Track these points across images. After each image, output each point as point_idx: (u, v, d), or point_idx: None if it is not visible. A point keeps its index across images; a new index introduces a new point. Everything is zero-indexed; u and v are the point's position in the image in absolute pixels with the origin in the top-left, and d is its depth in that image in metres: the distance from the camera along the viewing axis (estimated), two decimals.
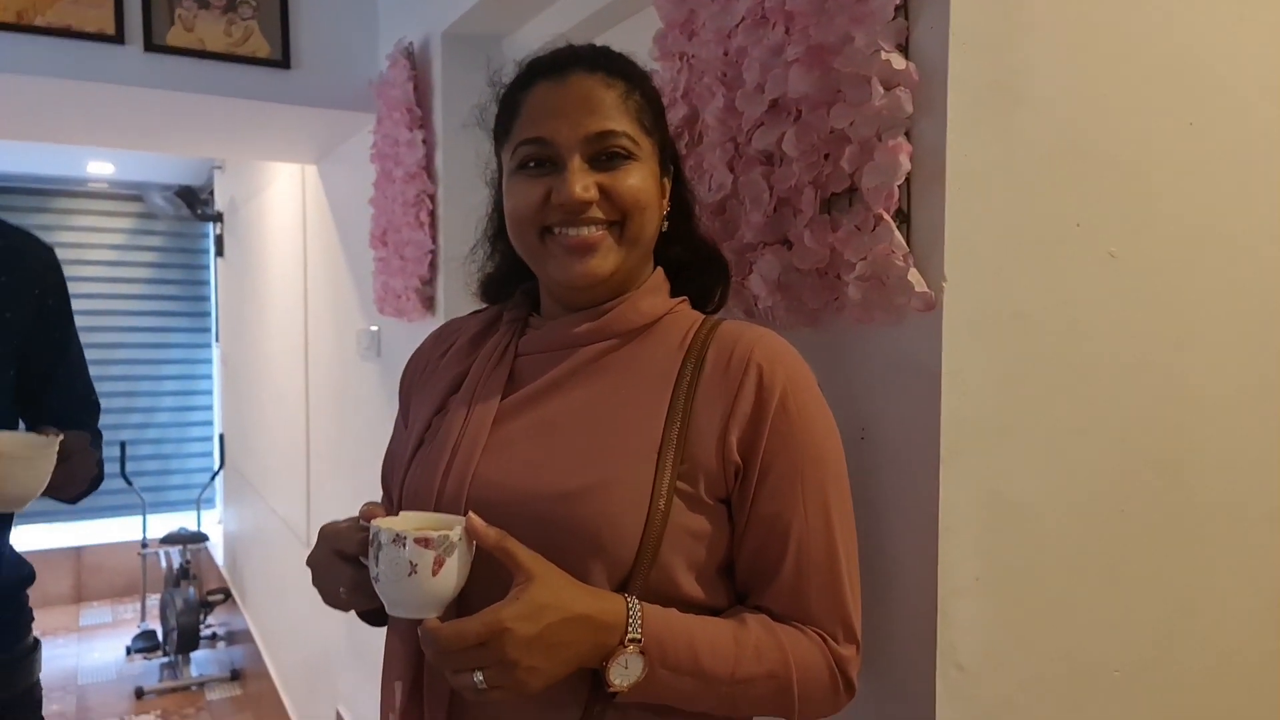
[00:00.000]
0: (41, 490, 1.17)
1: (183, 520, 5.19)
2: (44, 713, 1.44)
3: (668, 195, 0.89)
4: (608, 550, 0.74)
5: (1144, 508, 0.96)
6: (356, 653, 2.64)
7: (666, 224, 0.89)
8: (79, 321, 1.45)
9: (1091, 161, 0.91)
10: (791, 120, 0.94)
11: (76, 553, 5.53)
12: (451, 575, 0.70)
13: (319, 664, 3.07)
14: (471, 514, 0.71)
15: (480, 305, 1.01)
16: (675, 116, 1.10)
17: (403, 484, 0.86)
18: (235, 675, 4.45)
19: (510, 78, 0.88)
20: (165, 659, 4.53)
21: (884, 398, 0.90)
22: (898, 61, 0.83)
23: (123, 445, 4.86)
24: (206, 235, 5.68)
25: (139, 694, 4.24)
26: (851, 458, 0.86)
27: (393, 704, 0.83)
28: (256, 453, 4.20)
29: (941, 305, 0.83)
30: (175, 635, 4.35)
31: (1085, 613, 0.93)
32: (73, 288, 1.43)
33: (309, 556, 0.81)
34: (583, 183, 0.79)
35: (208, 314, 5.75)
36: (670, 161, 0.90)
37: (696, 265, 0.92)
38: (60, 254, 1.43)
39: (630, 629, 0.71)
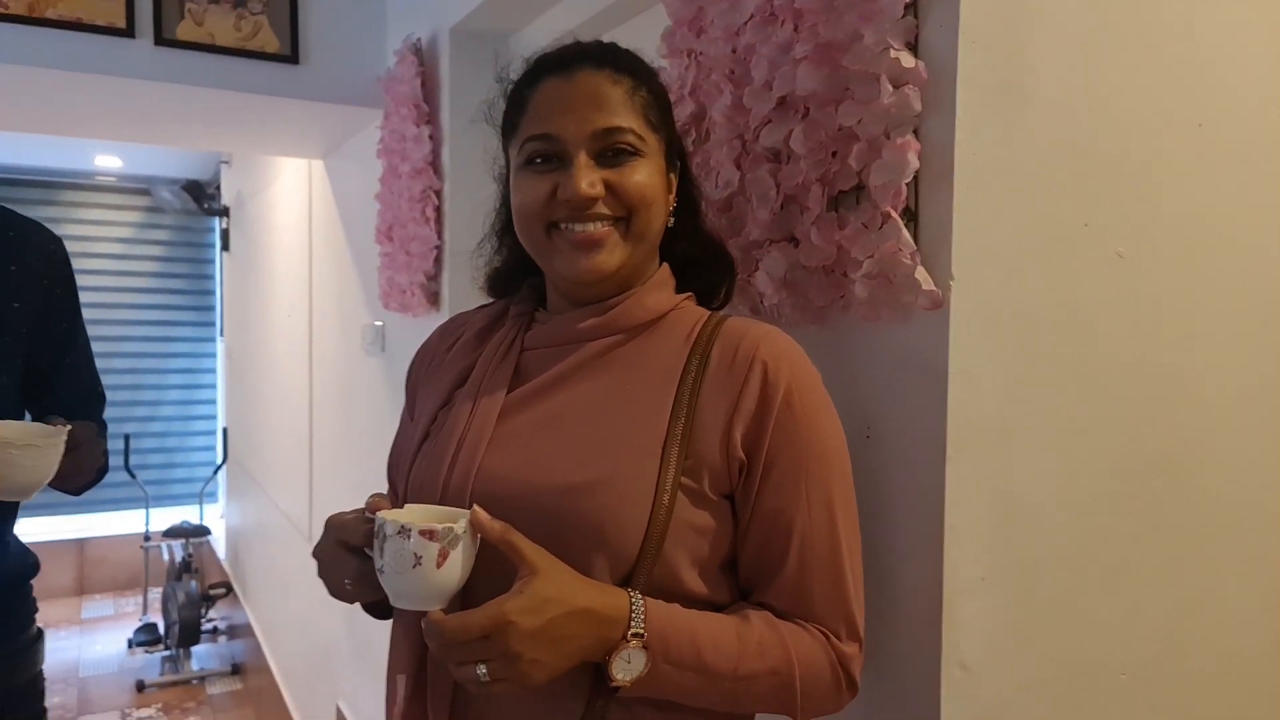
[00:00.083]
0: (48, 480, 1.18)
1: (185, 514, 5.20)
2: (45, 704, 1.44)
3: (674, 191, 0.89)
4: (611, 544, 0.74)
5: (1150, 508, 0.96)
6: (357, 648, 2.64)
7: (673, 220, 0.89)
8: (85, 314, 1.45)
9: (1100, 161, 0.91)
10: (799, 118, 0.94)
11: (79, 545, 5.54)
12: (456, 568, 0.70)
13: (320, 659, 3.08)
14: (476, 507, 0.72)
15: (486, 300, 1.01)
16: (683, 113, 1.10)
17: (408, 477, 0.86)
18: (236, 669, 4.46)
19: (518, 74, 0.88)
20: (166, 652, 4.54)
21: (890, 396, 0.90)
22: (907, 60, 0.83)
23: (127, 438, 4.87)
24: (212, 229, 5.69)
25: (140, 687, 4.25)
26: (857, 456, 0.86)
27: (396, 697, 0.83)
28: (260, 447, 4.20)
29: (949, 304, 0.83)
30: (177, 629, 4.36)
31: (1090, 613, 0.93)
32: (79, 281, 1.44)
33: (315, 548, 0.81)
34: (589, 179, 0.79)
35: (213, 308, 5.77)
36: (677, 158, 0.90)
37: (703, 262, 0.92)
38: (67, 247, 1.44)
39: (633, 624, 0.71)
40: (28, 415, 1.37)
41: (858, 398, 0.92)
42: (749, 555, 0.80)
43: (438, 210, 1.93)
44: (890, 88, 0.84)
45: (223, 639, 4.81)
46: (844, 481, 0.81)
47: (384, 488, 0.95)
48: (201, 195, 5.17)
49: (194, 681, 4.37)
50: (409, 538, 0.69)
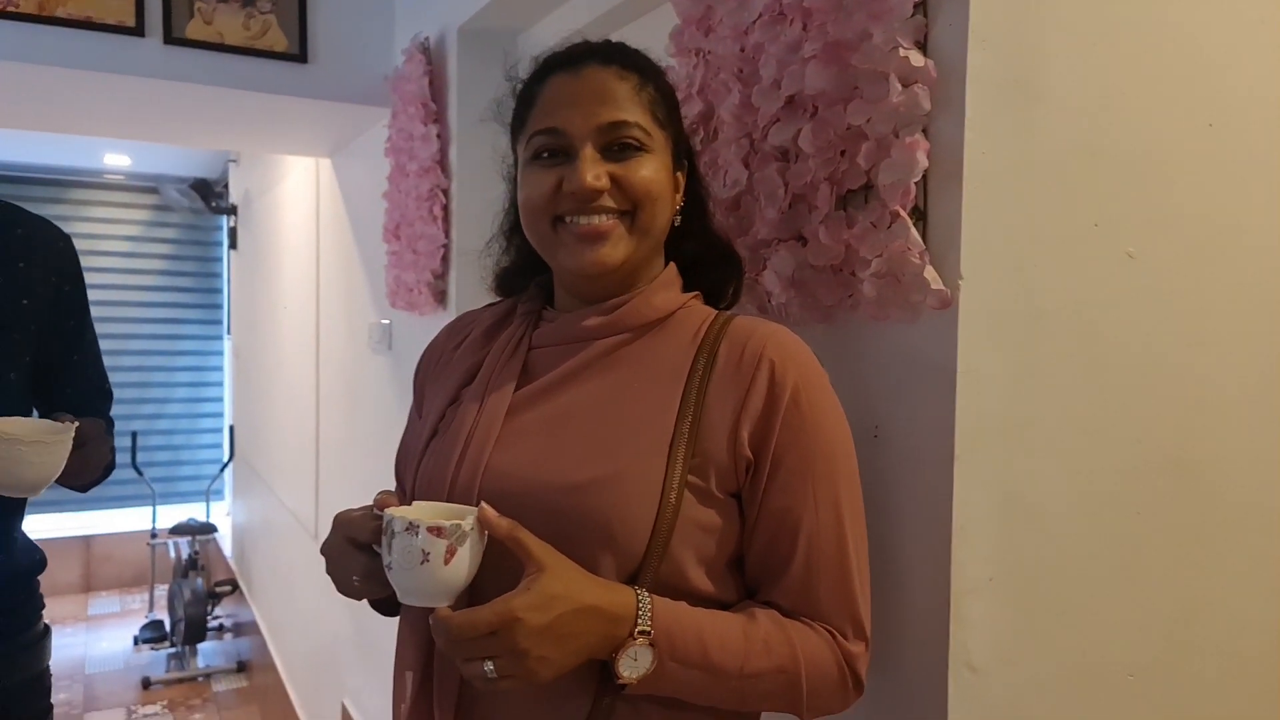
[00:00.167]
0: (56, 476, 1.18)
1: (192, 511, 5.21)
2: (52, 700, 1.44)
3: (682, 190, 0.89)
4: (618, 542, 0.74)
5: (1158, 508, 0.96)
6: (363, 646, 2.65)
7: (680, 219, 0.89)
8: (93, 312, 1.46)
9: (1110, 161, 0.90)
10: (808, 116, 0.94)
11: (86, 542, 5.57)
12: (463, 564, 0.70)
13: (325, 657, 3.08)
14: (484, 504, 0.72)
15: (493, 299, 1.02)
16: (691, 112, 1.10)
17: (416, 474, 0.86)
18: (241, 667, 4.48)
19: (527, 73, 0.88)
20: (172, 650, 4.56)
21: (898, 396, 0.89)
22: (916, 58, 0.83)
23: (134, 436, 4.89)
24: (220, 228, 5.71)
25: (146, 684, 4.27)
26: (865, 456, 0.86)
27: (404, 693, 0.83)
28: (266, 445, 4.22)
29: (957, 303, 0.83)
30: (183, 626, 4.38)
31: (1098, 614, 0.93)
32: (87, 279, 1.44)
33: (323, 544, 0.82)
34: (594, 171, 0.80)
35: (220, 306, 5.78)
36: (685, 157, 0.90)
37: (710, 261, 0.92)
38: (75, 244, 1.44)
39: (640, 621, 0.71)
40: (35, 412, 1.37)
41: (866, 397, 0.92)
42: (756, 554, 0.80)
43: (445, 209, 1.94)
44: (899, 86, 0.84)
45: (228, 636, 4.83)
46: (851, 480, 0.81)
47: (390, 485, 0.96)
48: (209, 194, 5.19)
49: (199, 679, 4.39)
50: (417, 534, 0.69)
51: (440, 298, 1.98)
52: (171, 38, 1.98)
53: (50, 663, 1.44)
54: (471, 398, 0.86)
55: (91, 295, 1.45)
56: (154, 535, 4.98)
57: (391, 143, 2.12)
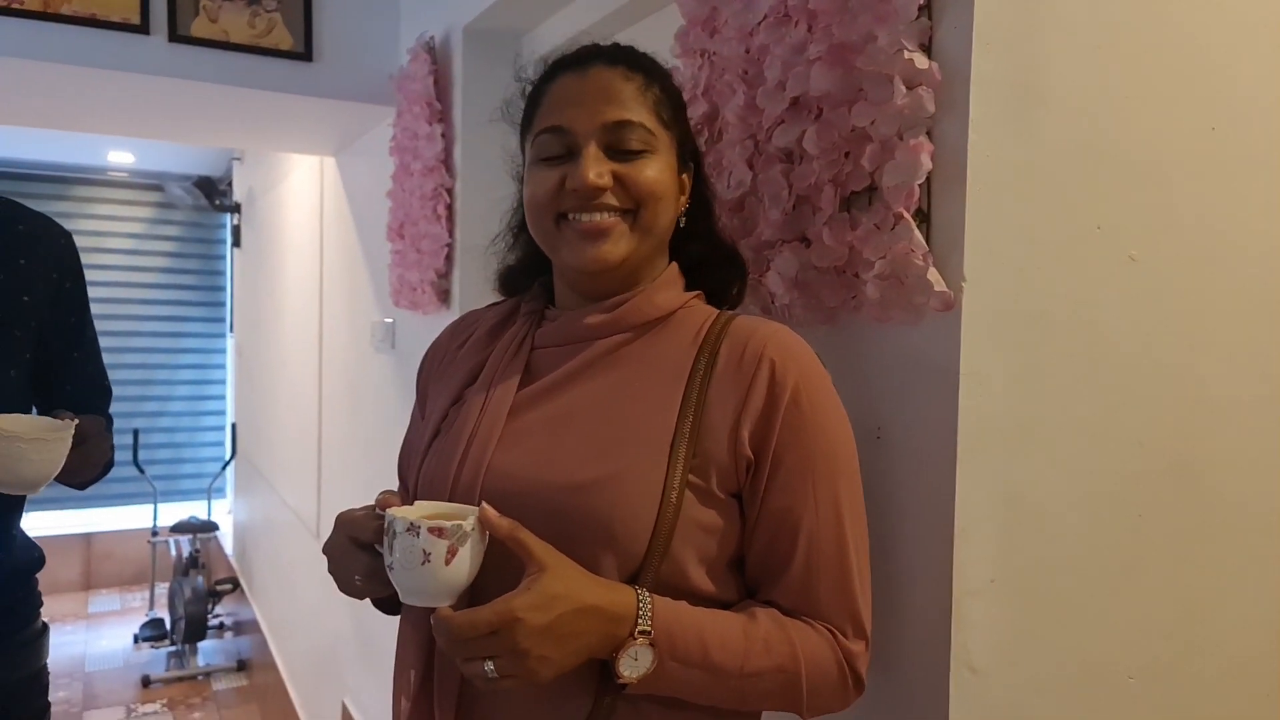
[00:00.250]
0: (56, 474, 1.18)
1: (193, 509, 5.22)
2: (51, 699, 1.44)
3: (687, 191, 0.89)
4: (619, 542, 0.74)
5: (1161, 510, 0.96)
6: (364, 646, 2.65)
7: (684, 220, 0.90)
8: (96, 309, 1.46)
9: (1113, 164, 0.90)
10: (812, 118, 0.94)
11: (86, 539, 5.57)
12: (464, 564, 0.70)
13: (326, 656, 3.08)
14: (485, 504, 0.72)
15: (497, 297, 1.02)
16: (695, 113, 1.10)
17: (418, 474, 0.86)
18: (242, 666, 4.48)
19: (536, 73, 0.89)
20: (172, 648, 4.56)
21: (901, 397, 0.90)
22: (920, 61, 0.83)
23: (136, 433, 4.89)
24: (224, 226, 5.72)
25: (145, 682, 4.27)
26: (867, 457, 0.86)
27: (405, 692, 0.84)
28: (268, 443, 4.22)
29: (960, 305, 0.83)
30: (183, 624, 4.38)
31: (1100, 616, 0.93)
32: (90, 276, 1.44)
33: (325, 544, 0.82)
34: (596, 169, 0.80)
35: (223, 304, 5.79)
36: (690, 159, 0.90)
37: (714, 262, 0.93)
38: (79, 242, 1.44)
39: (640, 621, 0.71)
40: (34, 409, 1.37)
41: (868, 398, 0.92)
42: (756, 553, 0.80)
43: (449, 208, 1.94)
44: (904, 89, 0.84)
45: (229, 635, 4.83)
46: (852, 480, 0.81)
47: (393, 484, 0.96)
48: (213, 191, 5.20)
49: (199, 677, 4.39)
50: (418, 534, 0.69)
51: (444, 297, 1.98)
52: (176, 35, 1.98)
53: (48, 661, 1.44)
54: (474, 397, 0.87)
55: (95, 292, 1.45)
56: (155, 533, 4.98)
57: (396, 141, 2.12)
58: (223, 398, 5.85)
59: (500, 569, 0.72)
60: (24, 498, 1.35)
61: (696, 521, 0.77)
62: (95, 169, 5.39)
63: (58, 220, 1.42)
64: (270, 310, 4.12)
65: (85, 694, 4.18)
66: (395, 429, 0.98)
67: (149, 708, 4.09)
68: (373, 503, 0.77)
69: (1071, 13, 0.87)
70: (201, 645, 4.57)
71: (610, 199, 0.81)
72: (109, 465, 1.38)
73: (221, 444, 5.79)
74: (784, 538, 0.78)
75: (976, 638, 0.85)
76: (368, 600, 0.90)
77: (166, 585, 4.75)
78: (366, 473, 2.62)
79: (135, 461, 4.82)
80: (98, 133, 2.79)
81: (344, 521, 0.79)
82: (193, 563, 4.66)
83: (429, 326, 2.06)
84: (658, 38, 1.20)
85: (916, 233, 0.84)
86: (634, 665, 0.71)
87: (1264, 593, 1.04)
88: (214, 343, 5.82)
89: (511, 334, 0.91)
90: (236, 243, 5.10)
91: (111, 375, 1.50)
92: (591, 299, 0.87)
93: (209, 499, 5.27)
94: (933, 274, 0.83)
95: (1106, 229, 0.90)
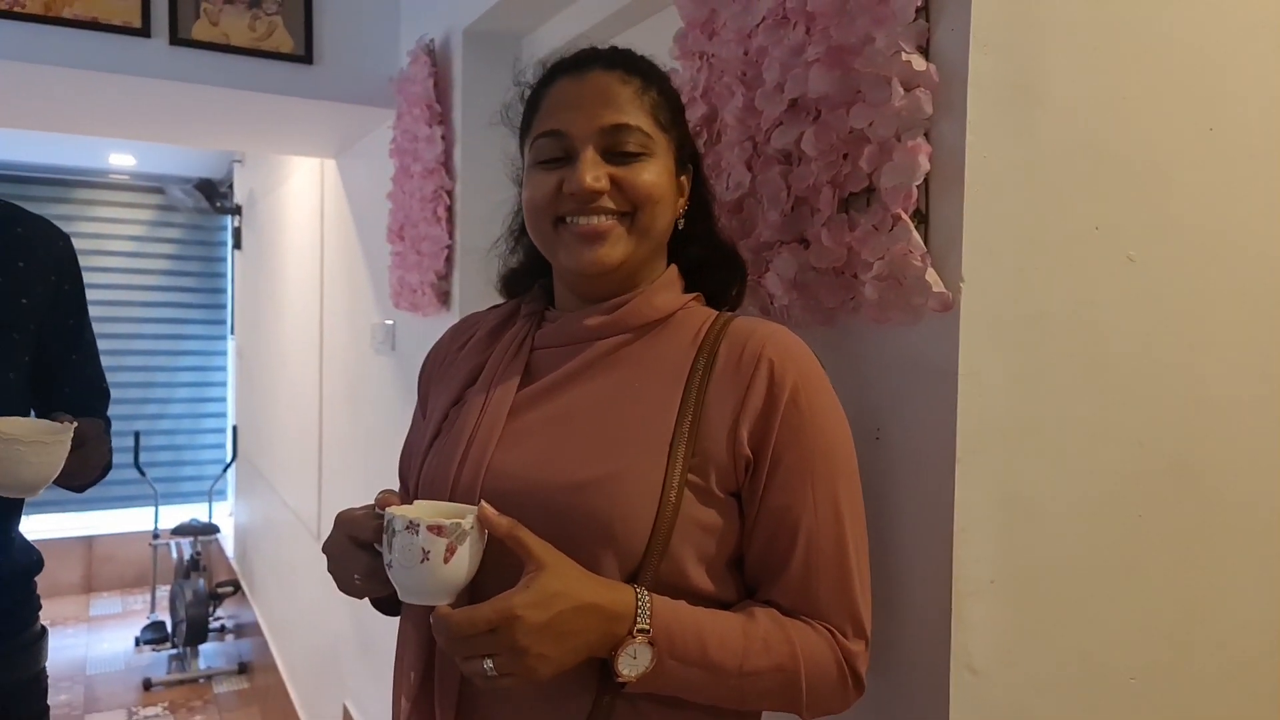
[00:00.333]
0: (55, 477, 1.18)
1: (194, 511, 5.22)
2: (52, 702, 1.44)
3: (686, 193, 0.90)
4: (619, 541, 0.75)
5: (1161, 511, 0.96)
6: (365, 648, 2.65)
7: (684, 222, 0.90)
8: (97, 311, 1.46)
9: (1111, 164, 0.91)
10: (811, 120, 0.95)
11: (88, 542, 5.57)
12: (463, 562, 0.70)
13: (327, 658, 3.08)
14: (484, 503, 0.72)
15: (497, 299, 1.02)
16: (694, 115, 1.10)
17: (419, 474, 0.87)
18: (243, 668, 4.48)
19: (535, 77, 0.90)
20: (174, 651, 4.56)
21: (900, 398, 0.90)
22: (918, 63, 0.84)
23: (137, 436, 4.89)
24: (225, 228, 5.72)
25: (147, 685, 4.27)
26: (866, 458, 0.86)
27: (406, 693, 0.84)
28: (269, 445, 4.22)
29: (959, 306, 0.83)
30: (184, 627, 4.38)
31: (1101, 616, 0.93)
32: (92, 278, 1.45)
33: (324, 543, 0.82)
34: (593, 172, 0.81)
35: (224, 306, 5.80)
36: (689, 161, 0.91)
37: (714, 263, 0.93)
38: (80, 244, 1.45)
39: (639, 619, 0.71)
40: (33, 412, 1.37)
41: (867, 399, 0.92)
42: (755, 553, 0.80)
43: (449, 210, 1.94)
44: (901, 90, 0.84)
45: (230, 637, 4.83)
46: (850, 479, 0.81)
47: (393, 486, 0.96)
48: (214, 194, 5.20)
49: (201, 680, 4.39)
50: (417, 533, 0.69)
51: (444, 299, 1.99)
52: (177, 38, 1.99)
53: (51, 664, 1.44)
54: (474, 398, 0.87)
55: (96, 295, 1.45)
56: (156, 536, 4.98)
57: (396, 144, 2.13)
58: (224, 400, 5.86)
59: (500, 568, 0.73)
60: (22, 501, 1.35)
61: (696, 521, 0.77)
62: (97, 171, 5.40)
63: (59, 223, 1.42)
64: (271, 312, 4.13)
65: (86, 697, 4.18)
66: (396, 430, 0.98)
67: (150, 711, 4.09)
68: (372, 502, 0.78)
69: (1069, 14, 0.88)
70: (203, 648, 4.57)
71: (607, 202, 0.82)
72: (107, 468, 1.38)
73: (222, 446, 5.79)
74: (783, 537, 0.78)
75: (977, 638, 0.85)
76: (368, 602, 0.91)
77: (168, 588, 4.75)
78: (367, 474, 2.62)
79: (136, 464, 4.82)
80: (99, 135, 2.80)
81: (343, 520, 0.80)
82: (194, 565, 4.66)
83: (429, 328, 2.06)
84: (657, 40, 1.21)
85: (915, 234, 0.84)
86: (633, 664, 0.71)
87: (1265, 593, 1.04)
88: (215, 345, 5.82)
89: (511, 335, 0.91)
90: (237, 245, 5.11)
91: (112, 378, 1.50)
92: (591, 301, 0.88)
93: (210, 501, 5.27)
94: (931, 275, 0.84)
95: (1105, 229, 0.91)
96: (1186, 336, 0.96)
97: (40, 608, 1.43)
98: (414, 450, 0.92)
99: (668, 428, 0.78)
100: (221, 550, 5.35)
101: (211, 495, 5.30)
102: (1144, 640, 0.96)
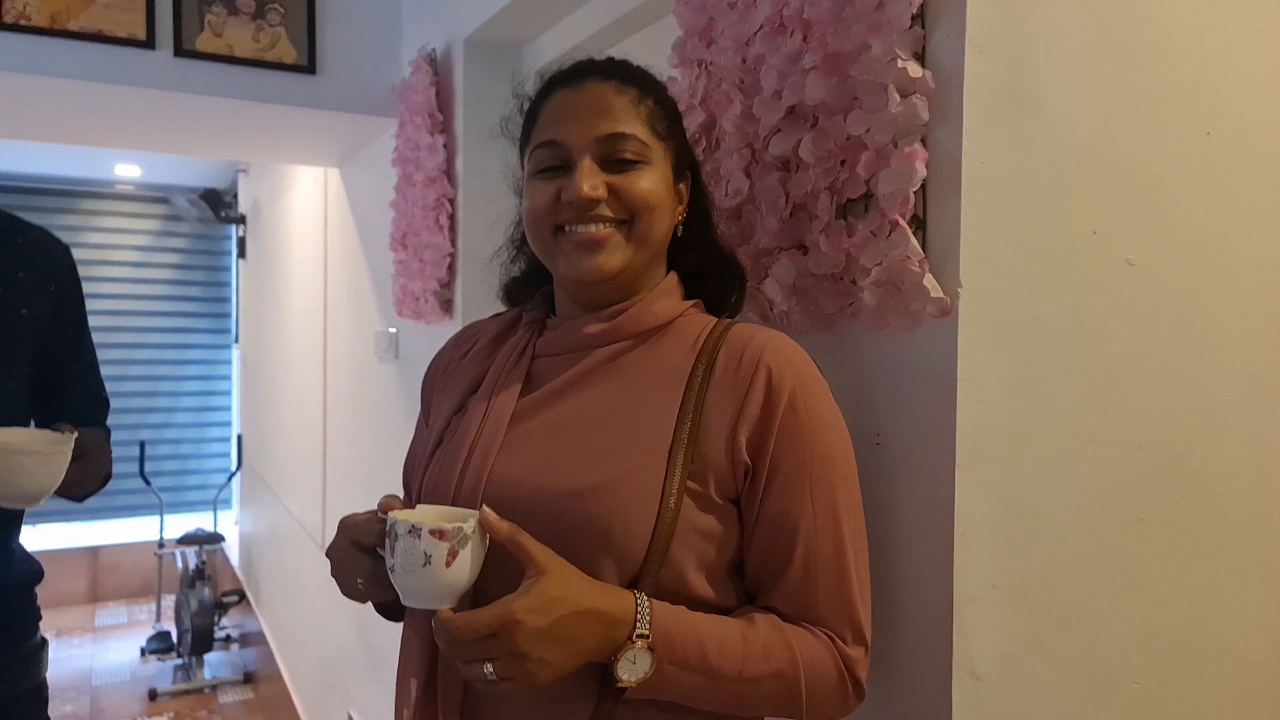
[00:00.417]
0: (56, 487, 1.17)
1: (199, 521, 5.23)
2: (58, 713, 1.43)
3: (684, 201, 0.90)
4: (619, 547, 0.75)
5: (1162, 515, 0.96)
6: (369, 656, 2.65)
7: (682, 229, 0.91)
8: (103, 321, 1.47)
9: (1108, 169, 0.91)
10: (808, 127, 0.95)
11: (93, 552, 5.58)
12: (465, 567, 0.71)
13: (332, 668, 3.08)
14: (485, 507, 0.73)
15: (500, 307, 1.03)
16: (693, 123, 1.11)
17: (422, 481, 0.88)
18: (248, 678, 4.48)
19: (533, 89, 0.91)
20: (179, 661, 4.56)
21: (899, 403, 0.90)
22: (914, 69, 0.84)
23: (142, 445, 4.90)
24: (229, 237, 5.75)
25: (152, 696, 4.27)
26: (866, 463, 0.86)
27: (408, 700, 0.84)
28: (274, 454, 4.23)
29: (957, 311, 0.84)
30: (189, 637, 4.38)
31: (1103, 622, 0.93)
32: (97, 288, 1.46)
33: (328, 548, 0.83)
34: (590, 181, 0.82)
35: (228, 315, 5.81)
36: (687, 168, 0.91)
37: (713, 270, 0.94)
38: (86, 254, 1.46)
39: (639, 625, 0.72)
40: (33, 421, 1.38)
41: (867, 405, 0.93)
42: (755, 558, 0.81)
43: (451, 218, 1.95)
44: (898, 97, 0.85)
45: (235, 647, 4.83)
46: (849, 485, 0.81)
47: (397, 493, 0.97)
48: (219, 203, 5.22)
49: (206, 690, 4.39)
50: (419, 537, 0.70)
51: (446, 306, 1.99)
52: (182, 50, 2.00)
53: (55, 676, 1.42)
54: (476, 405, 0.88)
55: (102, 304, 1.46)
56: (161, 545, 4.99)
57: (398, 153, 2.14)
58: (228, 409, 5.87)
59: (501, 572, 0.73)
60: (22, 511, 1.35)
61: (695, 527, 0.77)
62: (102, 182, 5.43)
63: (66, 233, 1.43)
64: (275, 321, 4.14)
65: (92, 708, 4.18)
66: (399, 438, 0.99)
67: None
68: (375, 508, 0.78)
69: (1064, 19, 0.88)
70: (208, 658, 4.56)
71: (605, 210, 0.83)
72: (107, 477, 1.38)
73: (227, 455, 5.80)
74: (782, 543, 0.79)
75: (979, 644, 0.85)
76: (373, 611, 0.91)
77: (173, 597, 4.76)
78: (371, 482, 2.62)
79: (142, 473, 4.83)
80: (105, 146, 2.82)
81: (347, 525, 0.80)
82: (199, 575, 4.66)
83: (432, 336, 2.07)
84: (656, 48, 1.22)
85: (912, 239, 0.85)
86: (632, 669, 0.72)
87: (1268, 594, 1.03)
88: (219, 354, 5.84)
89: (513, 343, 0.92)
90: (242, 254, 5.13)
91: (118, 387, 1.51)
92: (591, 308, 0.88)
93: (215, 510, 5.28)
94: (929, 280, 0.84)
95: (1103, 233, 0.91)
96: (1186, 339, 0.96)
97: (40, 618, 1.43)
98: (417, 457, 0.92)
99: (667, 434, 0.79)
100: (226, 559, 5.36)
101: (216, 504, 5.31)
102: (1147, 644, 0.95)
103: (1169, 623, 0.97)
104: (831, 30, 0.91)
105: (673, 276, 0.90)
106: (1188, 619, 0.98)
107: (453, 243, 1.95)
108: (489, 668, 0.68)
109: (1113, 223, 0.91)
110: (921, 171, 0.84)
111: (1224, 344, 0.99)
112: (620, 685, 0.72)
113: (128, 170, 5.17)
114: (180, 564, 4.84)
